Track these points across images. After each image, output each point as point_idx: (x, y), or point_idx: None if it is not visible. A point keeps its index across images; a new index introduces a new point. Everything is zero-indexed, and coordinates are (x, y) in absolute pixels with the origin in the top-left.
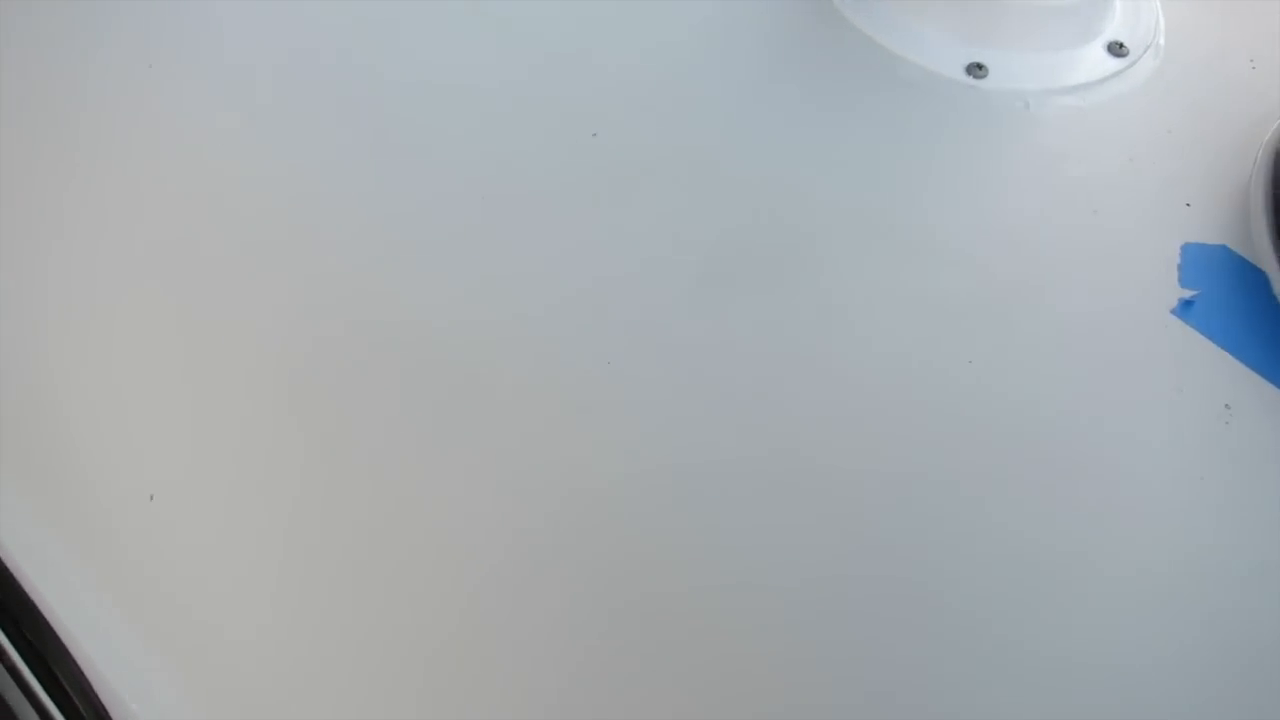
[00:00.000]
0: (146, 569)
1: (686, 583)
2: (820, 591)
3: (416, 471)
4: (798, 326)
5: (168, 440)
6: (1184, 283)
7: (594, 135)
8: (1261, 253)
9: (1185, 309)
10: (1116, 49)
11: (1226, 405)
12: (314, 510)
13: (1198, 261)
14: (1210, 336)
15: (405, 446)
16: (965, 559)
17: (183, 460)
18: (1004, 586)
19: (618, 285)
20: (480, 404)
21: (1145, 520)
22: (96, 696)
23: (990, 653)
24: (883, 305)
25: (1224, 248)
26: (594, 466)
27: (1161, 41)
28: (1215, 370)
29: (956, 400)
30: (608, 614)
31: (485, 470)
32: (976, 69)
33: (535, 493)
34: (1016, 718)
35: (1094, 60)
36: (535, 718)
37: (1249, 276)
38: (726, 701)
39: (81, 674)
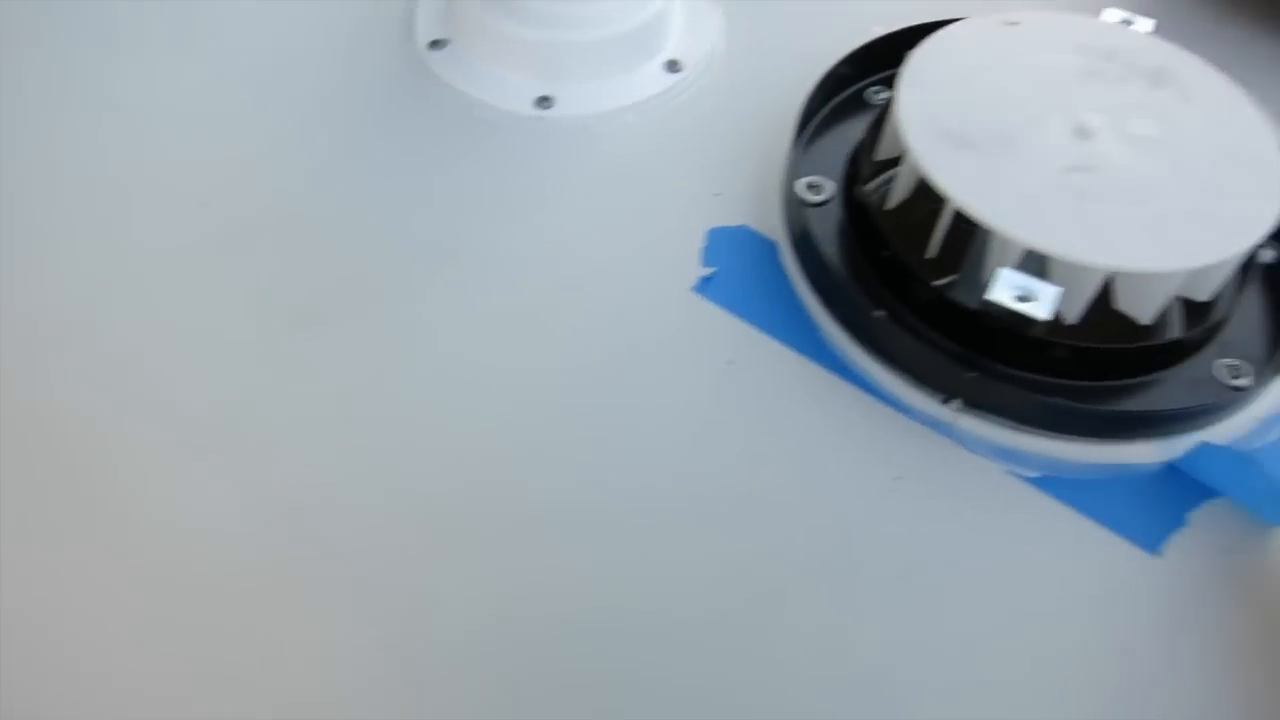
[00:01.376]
0: None
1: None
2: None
3: None
4: (383, 356)
5: None
6: (705, 262)
7: (203, 206)
8: (774, 227)
9: (704, 285)
10: (672, 66)
11: (730, 361)
12: None
13: (720, 242)
14: (722, 304)
15: None
16: (544, 505)
17: None
18: (572, 531)
19: (205, 340)
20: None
21: (664, 460)
22: None
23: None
24: (455, 325)
25: (744, 228)
26: (205, 507)
27: (719, 53)
28: (722, 333)
29: (522, 393)
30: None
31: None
32: (543, 102)
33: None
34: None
35: (651, 78)
36: None
37: (763, 250)
38: None
39: None
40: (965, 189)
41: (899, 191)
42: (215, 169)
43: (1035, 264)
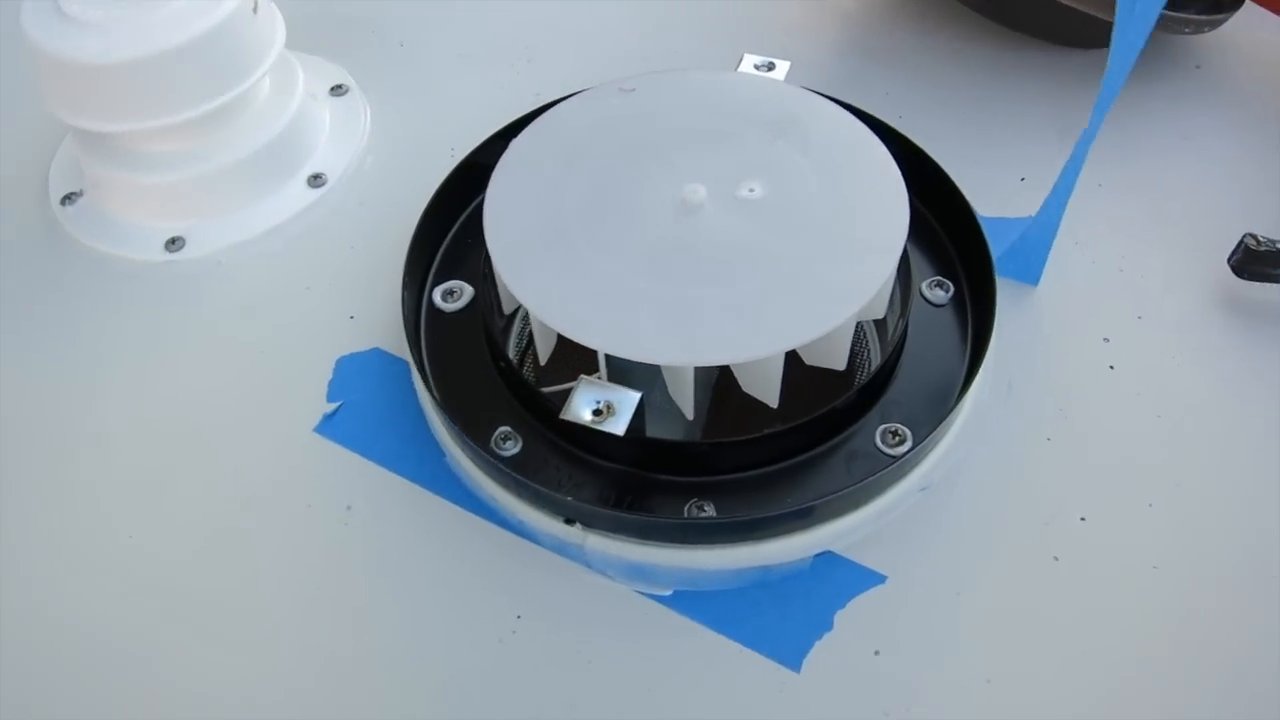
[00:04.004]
0: None
1: None
2: None
3: None
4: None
5: None
6: (331, 396)
7: None
8: (404, 346)
9: (326, 423)
10: (315, 180)
11: (348, 506)
12: None
13: (349, 371)
14: (344, 443)
15: None
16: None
17: None
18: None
19: None
20: None
21: (278, 630)
22: None
23: None
24: (81, 504)
25: (375, 350)
26: None
27: (369, 158)
28: (343, 475)
29: (140, 573)
30: None
31: None
32: (173, 244)
33: None
34: None
35: (292, 197)
36: None
37: (394, 371)
38: None
39: None
40: (544, 297)
41: (505, 300)
42: None
43: (628, 368)
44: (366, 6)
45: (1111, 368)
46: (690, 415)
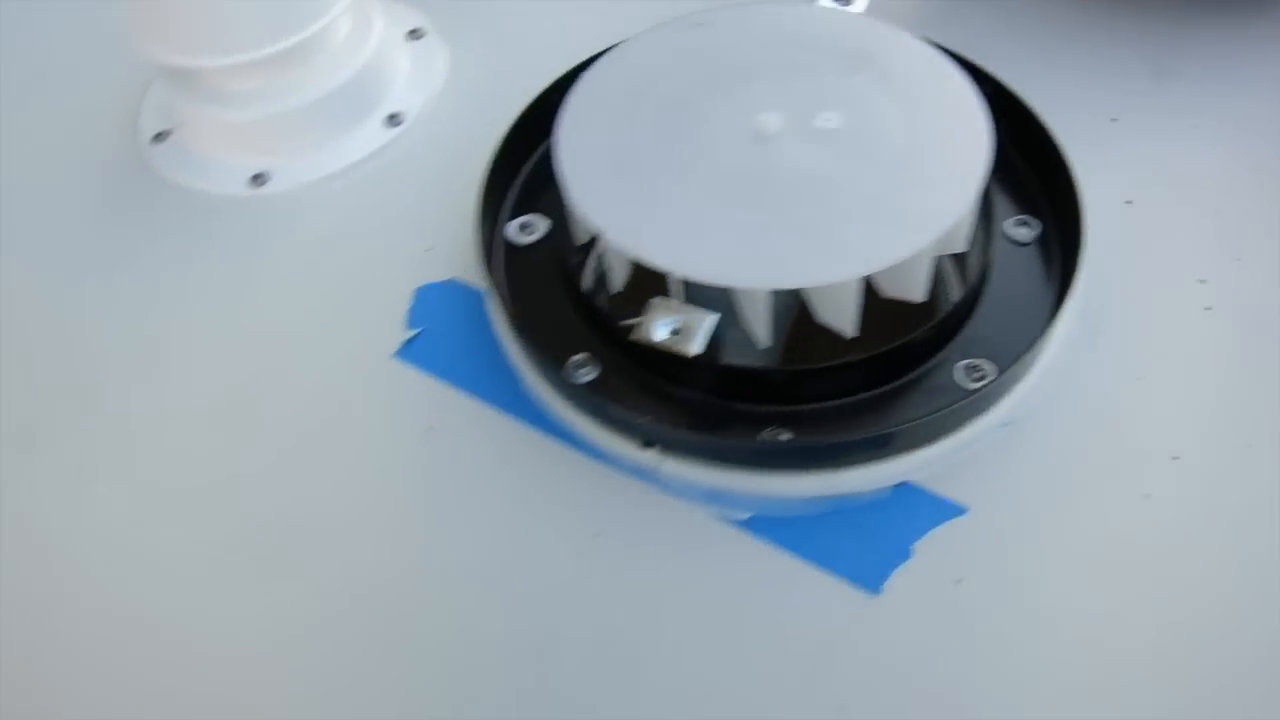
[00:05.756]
0: None
1: None
2: None
3: None
4: (100, 466)
5: None
6: (411, 323)
7: None
8: (481, 274)
9: (406, 348)
10: (392, 120)
11: (430, 427)
12: None
13: (428, 300)
14: (425, 367)
15: None
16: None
17: None
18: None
19: None
20: None
21: (367, 541)
22: None
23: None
24: (172, 422)
25: (452, 281)
26: None
27: (445, 99)
28: (423, 398)
29: (231, 489)
30: None
31: None
32: (257, 180)
33: None
34: None
35: (369, 136)
36: None
37: (470, 302)
38: None
39: None
40: (618, 222)
41: (580, 228)
42: None
43: (701, 293)
44: None
45: (1208, 309)
46: (765, 342)
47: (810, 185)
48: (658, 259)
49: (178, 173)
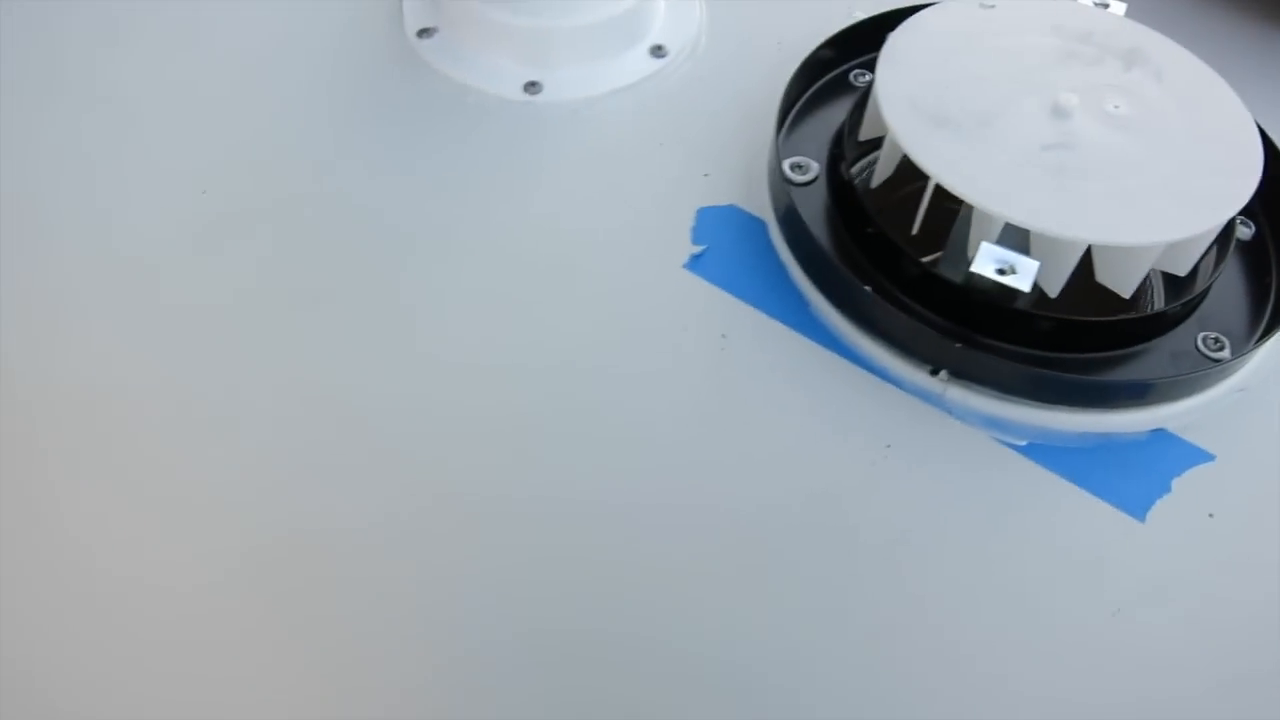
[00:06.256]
0: None
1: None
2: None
3: None
4: (381, 336)
5: None
6: (695, 240)
7: (204, 193)
8: (762, 207)
9: (694, 262)
10: (657, 51)
11: (724, 335)
12: None
13: (710, 221)
14: (714, 281)
15: None
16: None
17: None
18: (574, 507)
19: (205, 320)
20: None
21: (663, 431)
22: None
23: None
24: (453, 304)
25: (733, 207)
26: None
27: (703, 39)
28: (715, 308)
29: (519, 371)
30: None
31: None
32: (531, 87)
33: None
34: None
35: (636, 64)
36: None
37: (751, 228)
38: None
39: None
40: (946, 167)
41: (882, 171)
42: (213, 157)
43: (1016, 238)
44: None
45: None
46: (1054, 293)
47: (1110, 160)
48: (990, 205)
49: (449, 67)
